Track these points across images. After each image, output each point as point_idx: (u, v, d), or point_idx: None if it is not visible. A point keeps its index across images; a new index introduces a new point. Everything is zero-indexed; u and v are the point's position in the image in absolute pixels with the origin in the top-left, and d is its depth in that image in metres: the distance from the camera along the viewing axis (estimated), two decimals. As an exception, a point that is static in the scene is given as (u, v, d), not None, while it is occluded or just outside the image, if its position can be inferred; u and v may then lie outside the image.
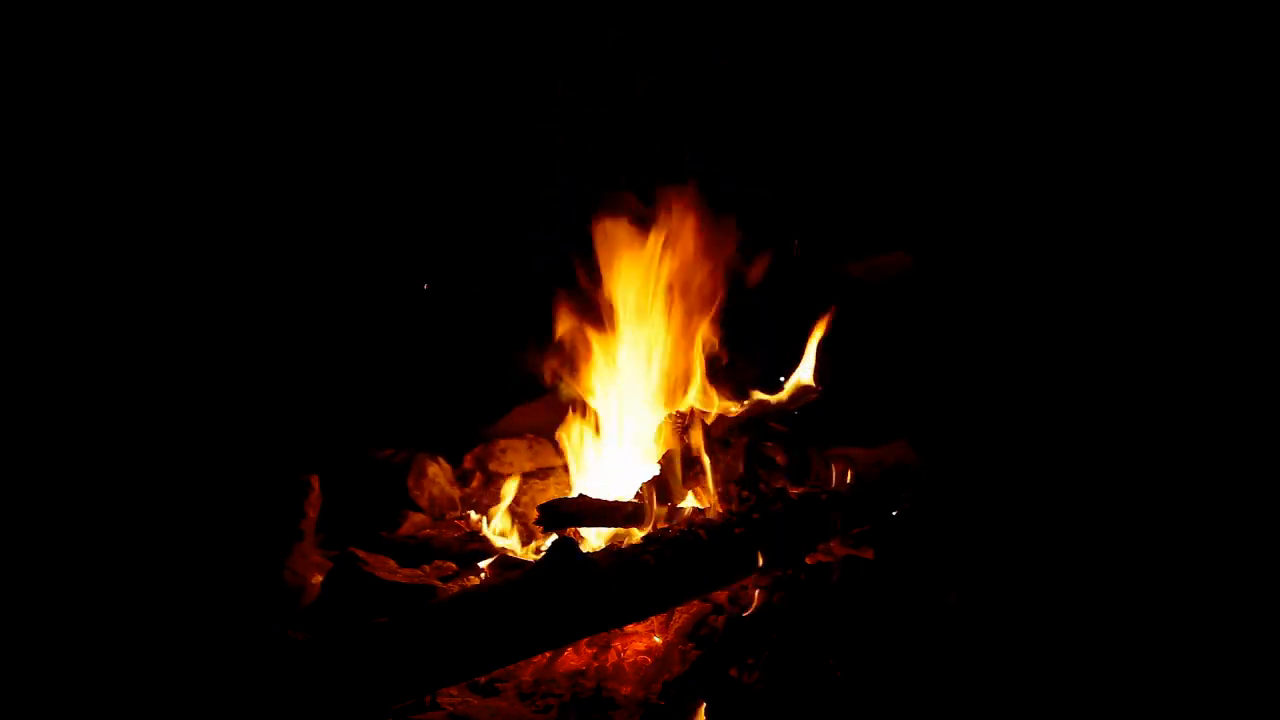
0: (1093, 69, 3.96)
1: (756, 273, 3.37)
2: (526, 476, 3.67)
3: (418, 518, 3.33)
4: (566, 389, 3.32)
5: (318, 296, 4.06)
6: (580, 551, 2.36)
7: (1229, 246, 3.66)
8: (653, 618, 2.53)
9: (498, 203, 4.17)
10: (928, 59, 4.16)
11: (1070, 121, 4.01)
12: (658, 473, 2.90)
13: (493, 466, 3.73)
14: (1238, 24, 3.74)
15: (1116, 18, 3.92)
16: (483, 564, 2.90)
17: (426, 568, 2.90)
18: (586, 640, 2.49)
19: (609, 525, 2.82)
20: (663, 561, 2.41)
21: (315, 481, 3.02)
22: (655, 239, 3.24)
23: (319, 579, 2.79)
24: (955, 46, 4.14)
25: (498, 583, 2.40)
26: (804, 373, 3.20)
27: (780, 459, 2.92)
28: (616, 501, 2.86)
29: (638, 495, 2.86)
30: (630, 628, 2.53)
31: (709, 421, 3.06)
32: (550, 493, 3.43)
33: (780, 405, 3.12)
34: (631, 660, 2.49)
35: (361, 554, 2.74)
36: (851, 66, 4.19)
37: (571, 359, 3.31)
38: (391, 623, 2.18)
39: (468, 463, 3.76)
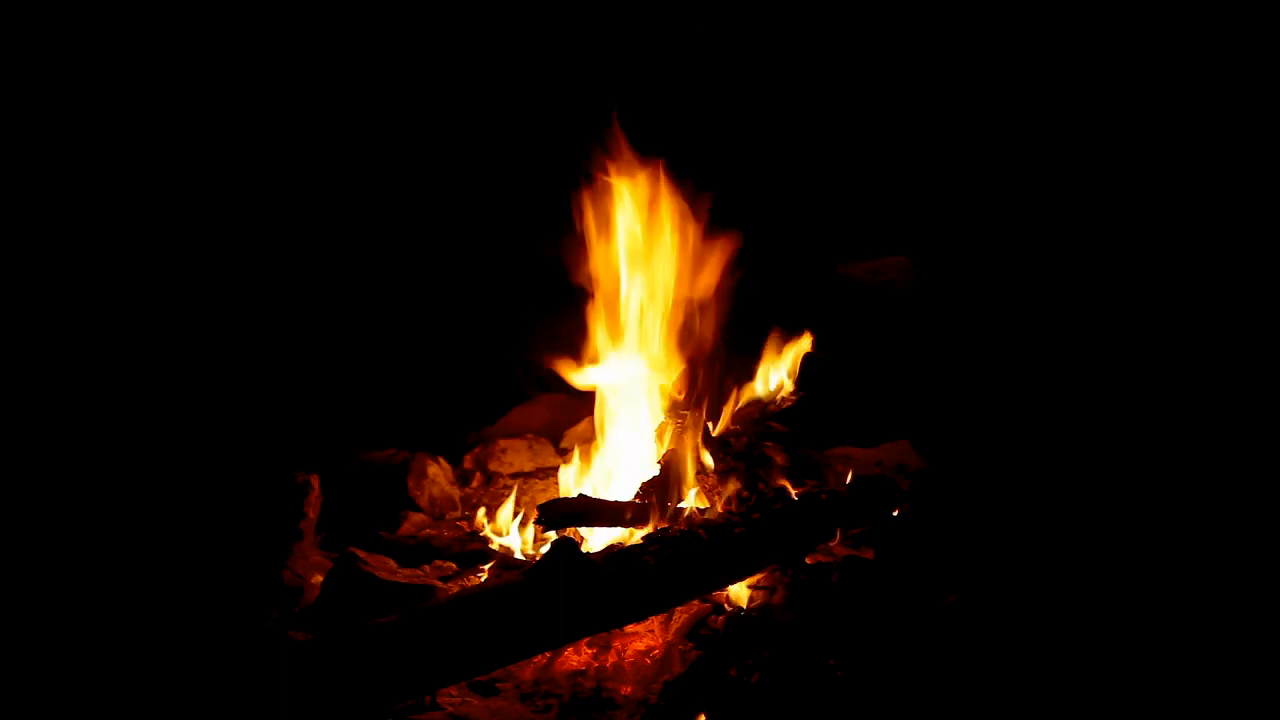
0: (1093, 75, 3.97)
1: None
2: (526, 476, 3.67)
3: (418, 518, 3.33)
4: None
5: (318, 296, 4.06)
6: (580, 551, 2.36)
7: (1227, 250, 3.67)
8: (653, 618, 2.53)
9: (497, 202, 4.18)
10: (929, 63, 4.16)
11: (1069, 127, 4.02)
12: (658, 473, 2.90)
13: (493, 466, 3.73)
14: (1236, 27, 3.75)
15: (1115, 23, 3.92)
16: (487, 569, 2.90)
17: (426, 568, 2.89)
18: (586, 640, 2.49)
19: (609, 525, 2.82)
20: (663, 561, 2.41)
21: (315, 481, 3.01)
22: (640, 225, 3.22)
23: (319, 579, 2.78)
24: (957, 51, 4.15)
25: (498, 582, 2.40)
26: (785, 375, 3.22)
27: (780, 459, 2.92)
28: (617, 501, 2.86)
29: (638, 495, 2.86)
30: (630, 628, 2.52)
31: (710, 421, 3.06)
32: (550, 493, 3.42)
33: (775, 405, 3.13)
34: (631, 660, 2.48)
35: (361, 554, 2.74)
36: (855, 71, 4.20)
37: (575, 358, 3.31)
38: (391, 623, 2.18)
39: (468, 463, 3.76)
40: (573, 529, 2.81)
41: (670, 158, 3.27)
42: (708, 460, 2.93)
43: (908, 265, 4.03)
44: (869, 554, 2.78)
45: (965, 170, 4.14)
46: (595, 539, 2.88)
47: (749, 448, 2.94)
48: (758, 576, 2.61)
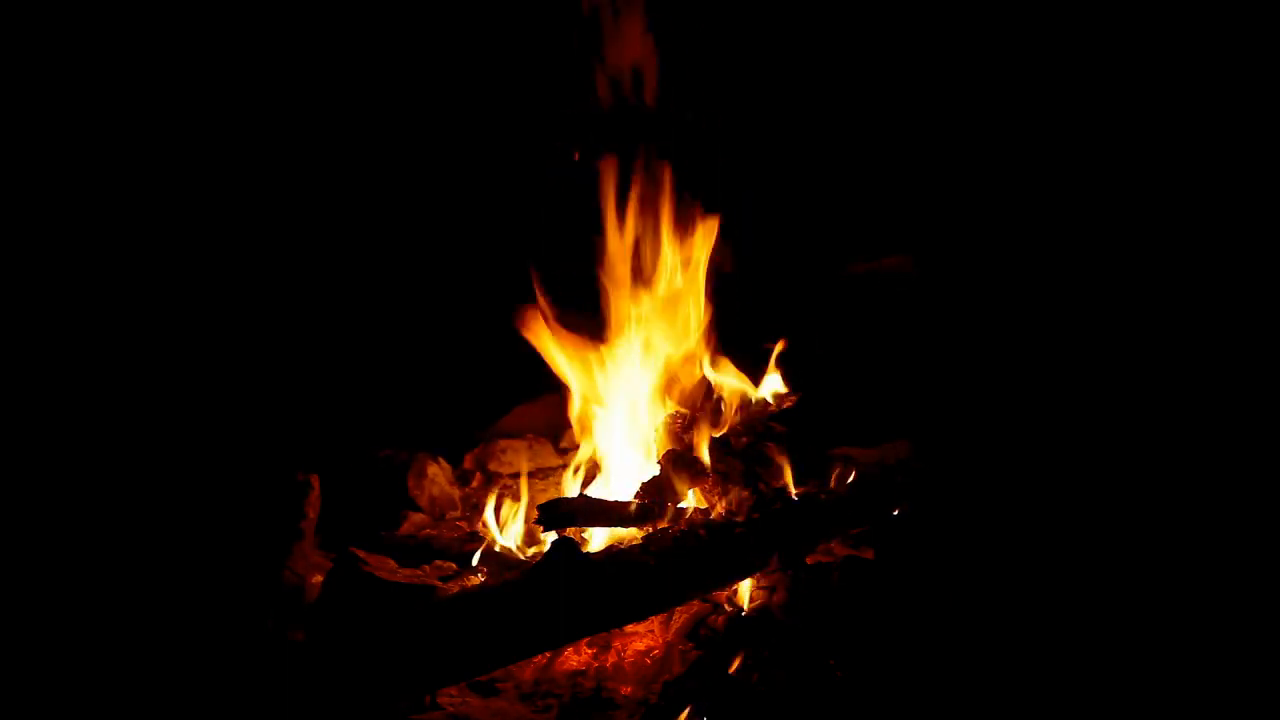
0: (1093, 72, 3.97)
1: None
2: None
3: (418, 518, 3.33)
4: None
5: (318, 296, 4.06)
6: (580, 551, 2.36)
7: (1228, 248, 3.66)
8: (653, 618, 2.53)
9: (498, 202, 4.17)
10: (931, 61, 4.16)
11: (1071, 125, 4.01)
12: (658, 473, 2.90)
13: (493, 466, 3.73)
14: (1237, 25, 3.75)
15: (1116, 20, 3.92)
16: (475, 557, 2.89)
17: (426, 568, 2.89)
18: (586, 640, 2.50)
19: (609, 525, 2.82)
20: (663, 561, 2.41)
21: (315, 481, 3.02)
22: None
23: (319, 579, 2.78)
24: (959, 49, 4.15)
25: (498, 583, 2.40)
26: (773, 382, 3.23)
27: (780, 459, 2.92)
28: (617, 501, 2.86)
29: (638, 495, 2.86)
30: (630, 628, 2.53)
31: (709, 421, 3.06)
32: (550, 493, 3.42)
33: (770, 407, 3.14)
34: (631, 660, 2.49)
35: (362, 554, 2.74)
36: (855, 68, 4.20)
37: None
38: (391, 623, 2.18)
39: (468, 463, 3.76)
40: (573, 529, 2.81)
41: (670, 157, 3.28)
42: (707, 460, 2.93)
43: (909, 264, 4.03)
44: (869, 554, 2.78)
45: (967, 169, 4.14)
46: (595, 539, 2.88)
47: (749, 448, 2.93)
48: (757, 576, 2.61)
